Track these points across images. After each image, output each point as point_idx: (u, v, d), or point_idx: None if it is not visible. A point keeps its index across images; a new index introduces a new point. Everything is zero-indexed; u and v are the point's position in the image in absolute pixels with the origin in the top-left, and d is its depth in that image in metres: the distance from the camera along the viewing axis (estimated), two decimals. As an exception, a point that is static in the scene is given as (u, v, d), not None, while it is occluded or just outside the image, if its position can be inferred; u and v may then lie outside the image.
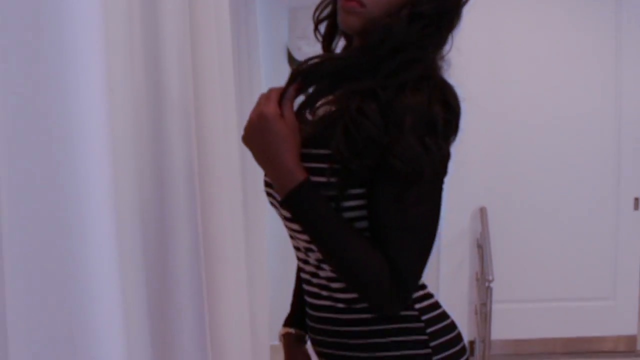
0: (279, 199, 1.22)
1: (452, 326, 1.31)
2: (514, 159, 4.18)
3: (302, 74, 1.21)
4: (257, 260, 3.80)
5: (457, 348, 1.28)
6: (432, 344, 1.23)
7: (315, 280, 1.29)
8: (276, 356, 4.11)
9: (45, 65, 0.87)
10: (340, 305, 1.26)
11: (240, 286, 2.84)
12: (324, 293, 1.28)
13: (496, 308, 3.86)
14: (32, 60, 0.87)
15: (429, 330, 1.24)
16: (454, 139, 1.20)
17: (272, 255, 4.23)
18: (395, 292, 1.13)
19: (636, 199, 4.29)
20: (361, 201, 1.19)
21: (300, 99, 1.23)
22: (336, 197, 1.17)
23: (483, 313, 3.53)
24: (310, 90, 1.24)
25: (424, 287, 1.30)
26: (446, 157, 1.17)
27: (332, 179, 1.16)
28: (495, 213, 4.11)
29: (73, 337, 0.91)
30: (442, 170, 1.18)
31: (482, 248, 3.83)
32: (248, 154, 1.26)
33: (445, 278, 4.06)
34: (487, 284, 3.46)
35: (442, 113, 1.14)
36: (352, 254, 1.14)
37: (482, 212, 3.98)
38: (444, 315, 1.30)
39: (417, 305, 1.25)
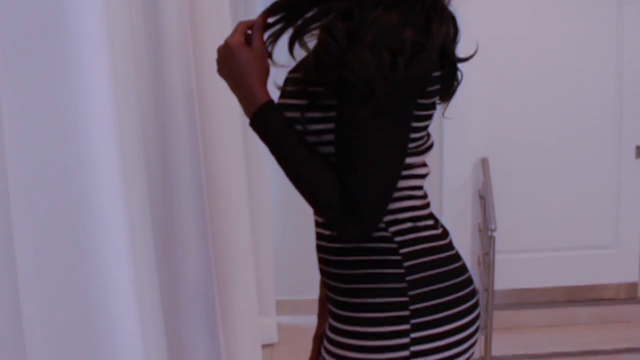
0: None
1: (440, 262, 1.25)
2: (516, 110, 4.17)
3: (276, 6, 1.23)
4: (261, 214, 3.81)
5: (441, 285, 1.22)
6: (409, 278, 1.20)
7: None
8: (282, 310, 4.16)
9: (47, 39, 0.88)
10: (326, 232, 1.26)
11: (245, 240, 2.86)
12: (318, 219, 1.30)
13: (499, 258, 3.88)
14: (33, 35, 0.88)
15: (406, 263, 1.20)
16: (428, 65, 1.15)
17: (275, 210, 4.24)
18: (350, 216, 1.11)
19: (638, 147, 4.29)
20: (329, 125, 1.17)
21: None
22: (303, 119, 1.17)
23: (486, 262, 3.56)
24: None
25: (415, 220, 1.25)
26: (415, 79, 1.13)
27: (300, 101, 1.17)
28: (497, 164, 4.11)
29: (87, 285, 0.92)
30: (404, 92, 1.13)
31: (484, 199, 3.84)
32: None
33: (448, 229, 4.06)
34: (489, 234, 3.48)
35: (413, 35, 1.10)
36: (307, 174, 1.15)
37: (484, 162, 3.98)
38: (431, 250, 1.24)
39: (398, 239, 1.22)
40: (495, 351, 3.68)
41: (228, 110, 2.25)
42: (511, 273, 4.22)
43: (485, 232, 3.53)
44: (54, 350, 0.92)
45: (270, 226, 3.96)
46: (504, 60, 4.11)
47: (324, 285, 1.32)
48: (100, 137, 0.90)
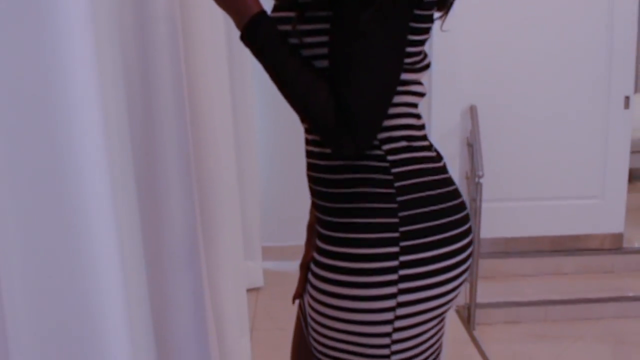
0: None
1: (433, 184, 1.21)
2: (505, 58, 4.13)
3: None
4: (248, 160, 3.78)
5: (433, 208, 1.19)
6: (400, 198, 1.16)
7: (304, 125, 1.27)
8: (267, 256, 4.17)
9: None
10: (317, 150, 1.23)
11: (230, 185, 2.84)
12: (307, 137, 1.26)
13: (486, 207, 3.88)
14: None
15: (398, 184, 1.16)
16: None
17: (262, 157, 4.22)
18: (344, 130, 1.08)
19: (627, 98, 4.27)
20: (322, 37, 1.13)
21: None
22: (295, 32, 1.13)
23: (473, 209, 3.55)
24: None
25: (410, 140, 1.21)
26: None
27: (291, 14, 1.13)
28: (485, 112, 4.08)
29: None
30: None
31: (472, 146, 3.83)
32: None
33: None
34: (477, 180, 3.47)
35: None
36: (300, 88, 1.10)
37: (472, 110, 3.96)
38: (424, 172, 1.21)
39: (390, 157, 1.18)
40: (480, 298, 3.70)
41: (213, 49, 2.21)
42: (497, 222, 4.23)
43: (473, 179, 3.52)
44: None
45: (257, 172, 3.93)
46: (493, 9, 4.06)
47: (313, 206, 1.29)
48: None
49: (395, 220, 1.14)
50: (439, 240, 1.16)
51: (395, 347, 1.16)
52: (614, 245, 4.42)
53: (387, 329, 1.14)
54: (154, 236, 1.49)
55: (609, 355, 3.37)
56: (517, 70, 4.13)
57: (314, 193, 1.25)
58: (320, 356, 1.23)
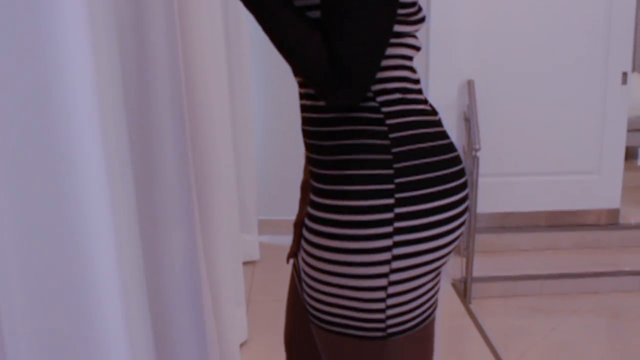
0: None
1: (428, 136, 1.19)
2: (503, 33, 4.11)
3: None
4: (244, 135, 3.77)
5: (428, 160, 1.17)
6: (395, 150, 1.14)
7: (297, 79, 1.26)
8: (264, 230, 4.17)
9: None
10: (309, 103, 1.22)
11: (227, 158, 2.84)
12: (301, 91, 1.25)
13: (482, 181, 3.88)
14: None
15: (392, 135, 1.15)
16: None
17: (258, 130, 4.21)
18: (339, 81, 1.06)
19: (624, 74, 4.26)
20: None
21: None
22: None
23: (470, 182, 3.55)
24: None
25: (404, 92, 1.19)
26: None
27: None
28: (482, 87, 4.07)
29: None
30: None
31: (469, 121, 3.82)
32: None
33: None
34: (473, 154, 3.47)
35: None
36: (293, 39, 1.08)
37: (470, 84, 3.95)
38: (418, 124, 1.18)
39: (384, 109, 1.16)
40: (477, 273, 3.71)
41: (209, 19, 2.19)
42: (494, 196, 4.24)
43: (470, 153, 3.51)
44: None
45: (253, 146, 3.92)
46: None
47: (307, 160, 1.28)
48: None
49: (390, 171, 1.12)
50: (434, 192, 1.15)
51: (390, 301, 1.15)
52: (610, 220, 4.43)
53: (383, 282, 1.13)
54: (149, 210, 1.49)
55: (604, 328, 3.39)
56: (515, 46, 4.12)
57: (308, 147, 1.24)
58: (314, 312, 1.22)
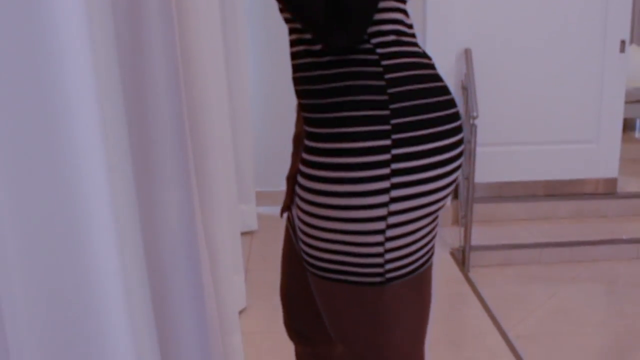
0: None
1: (423, 78, 1.17)
2: (500, 1, 4.08)
3: None
4: (241, 107, 3.76)
5: (424, 101, 1.15)
6: (390, 90, 1.12)
7: (290, 25, 1.25)
8: (261, 201, 4.17)
9: None
10: (302, 48, 1.20)
11: (223, 129, 2.82)
12: (293, 37, 1.23)
13: (480, 151, 3.87)
14: None
15: (388, 76, 1.13)
16: None
17: (255, 103, 4.19)
18: (335, 21, 1.05)
19: (622, 42, 4.24)
20: None
21: None
22: None
23: (468, 151, 3.54)
24: None
25: (399, 34, 1.17)
26: None
27: None
28: (480, 56, 4.05)
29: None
30: None
31: (466, 89, 3.80)
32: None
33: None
34: (471, 122, 3.45)
35: None
36: None
37: (467, 53, 3.92)
38: (413, 65, 1.17)
39: (379, 50, 1.14)
40: (475, 242, 3.71)
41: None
42: (492, 166, 4.23)
43: (467, 121, 3.50)
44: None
45: (249, 117, 3.91)
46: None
47: (300, 108, 1.27)
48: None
49: (386, 112, 1.11)
50: (431, 134, 1.14)
51: (389, 245, 1.14)
52: (608, 190, 4.43)
53: (381, 225, 1.12)
54: (147, 182, 1.48)
55: (602, 295, 3.39)
56: (512, 14, 4.09)
57: (300, 94, 1.22)
58: (311, 260, 1.22)
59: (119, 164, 1.26)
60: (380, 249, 1.14)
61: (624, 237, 3.94)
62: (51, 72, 0.86)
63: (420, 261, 1.21)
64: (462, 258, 3.67)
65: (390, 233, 1.13)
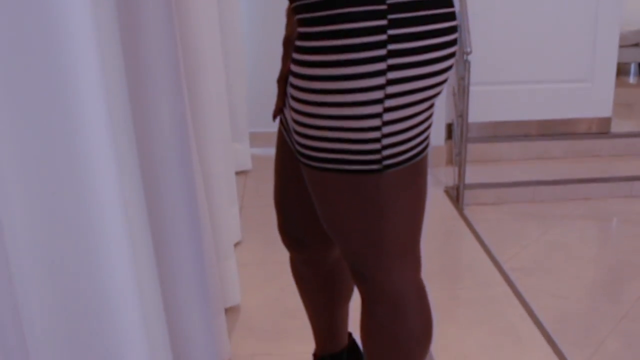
0: None
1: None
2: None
3: None
4: (234, 48, 3.72)
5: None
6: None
7: None
8: (255, 142, 4.15)
9: None
10: None
11: (218, 68, 2.80)
12: None
13: (474, 90, 3.85)
14: None
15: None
16: None
17: (249, 42, 4.16)
18: None
19: (617, -21, 4.21)
20: None
21: None
22: None
23: (461, 88, 3.52)
24: None
25: None
26: None
27: None
28: (474, -7, 4.01)
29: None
30: None
31: (460, 26, 3.76)
32: None
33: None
34: (465, 57, 3.42)
35: None
36: None
37: (461, -10, 3.88)
38: None
39: None
40: (469, 180, 3.71)
41: None
42: (486, 105, 4.22)
43: (461, 57, 3.47)
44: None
45: (243, 57, 3.87)
46: None
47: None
48: None
49: (384, 7, 1.09)
50: (428, 15, 1.11)
51: (386, 130, 1.13)
52: (601, 129, 4.43)
53: (378, 109, 1.11)
54: (145, 127, 1.46)
55: (595, 231, 3.41)
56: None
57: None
58: (307, 152, 1.19)
59: (114, 95, 1.24)
60: (377, 134, 1.13)
61: (617, 175, 3.95)
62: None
63: (417, 149, 1.20)
64: (456, 196, 3.67)
65: (388, 117, 1.12)
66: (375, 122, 1.12)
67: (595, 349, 2.30)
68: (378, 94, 1.10)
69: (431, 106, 1.20)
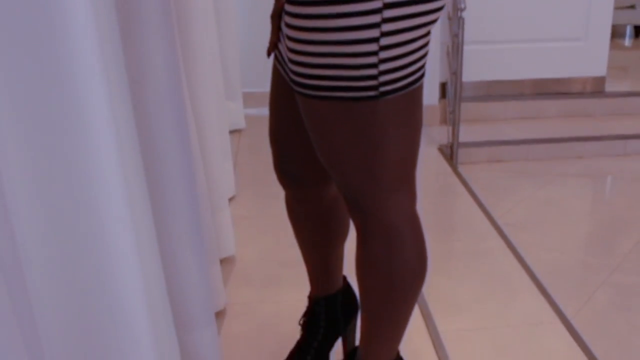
0: None
1: None
2: None
3: None
4: (225, 5, 3.70)
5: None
6: None
7: None
8: (249, 102, 4.15)
9: None
10: None
11: (210, 26, 2.79)
12: None
13: (468, 49, 3.83)
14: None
15: None
16: None
17: (241, 2, 4.13)
18: None
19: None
20: None
21: None
22: None
23: (455, 45, 3.51)
24: None
25: None
26: None
27: None
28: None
29: None
30: None
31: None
32: None
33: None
34: (459, 14, 3.41)
35: None
36: None
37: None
38: None
39: None
40: (463, 139, 3.71)
41: None
42: (480, 64, 4.20)
43: (455, 13, 3.45)
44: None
45: (235, 16, 3.85)
46: None
47: None
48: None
49: None
50: None
51: (383, 55, 1.13)
52: (596, 88, 4.42)
53: (375, 33, 1.10)
54: (139, 90, 1.46)
55: (589, 188, 3.42)
56: None
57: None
58: (302, 80, 1.19)
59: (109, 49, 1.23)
60: (374, 59, 1.13)
61: (611, 133, 3.96)
62: None
63: (413, 77, 1.20)
64: (450, 154, 3.68)
65: (385, 41, 1.12)
66: (372, 47, 1.12)
67: (587, 300, 2.33)
68: (375, 18, 1.10)
69: (428, 33, 1.19)
